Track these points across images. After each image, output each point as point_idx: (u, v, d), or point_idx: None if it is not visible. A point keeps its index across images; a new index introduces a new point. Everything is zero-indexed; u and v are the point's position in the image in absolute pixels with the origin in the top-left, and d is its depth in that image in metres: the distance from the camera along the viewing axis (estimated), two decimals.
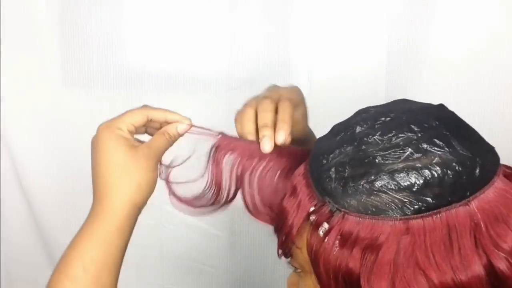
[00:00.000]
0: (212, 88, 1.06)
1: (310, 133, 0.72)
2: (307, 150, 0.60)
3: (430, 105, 0.57)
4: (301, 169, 0.58)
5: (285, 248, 0.57)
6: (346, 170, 0.52)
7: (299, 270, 0.58)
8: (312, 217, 0.53)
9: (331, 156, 0.54)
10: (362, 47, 1.03)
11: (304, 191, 0.55)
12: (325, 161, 0.54)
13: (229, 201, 0.67)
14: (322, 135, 0.60)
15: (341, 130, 0.56)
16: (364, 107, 0.58)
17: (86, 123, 1.08)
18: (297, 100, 0.68)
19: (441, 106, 0.57)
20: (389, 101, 1.06)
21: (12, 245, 1.14)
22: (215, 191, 0.67)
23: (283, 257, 0.68)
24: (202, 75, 1.05)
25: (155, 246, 1.13)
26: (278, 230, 0.58)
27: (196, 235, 1.12)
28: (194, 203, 0.71)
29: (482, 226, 0.48)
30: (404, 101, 0.60)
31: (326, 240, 0.51)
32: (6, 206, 1.12)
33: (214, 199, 0.68)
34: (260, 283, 1.13)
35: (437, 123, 0.52)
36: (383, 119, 0.54)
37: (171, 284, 1.15)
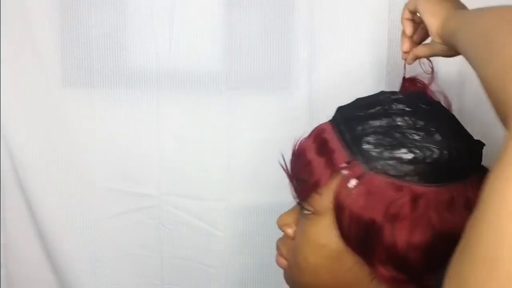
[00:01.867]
0: (212, 88, 1.06)
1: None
2: None
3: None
4: (327, 126, 0.67)
5: (307, 193, 0.65)
6: (383, 139, 0.62)
7: (308, 212, 0.66)
8: (344, 172, 0.62)
9: (367, 124, 0.64)
10: (362, 47, 1.03)
11: (336, 147, 0.64)
12: (360, 127, 0.64)
13: None
14: (343, 105, 0.70)
15: (373, 105, 0.66)
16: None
17: (86, 123, 1.09)
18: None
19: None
20: None
21: (12, 245, 1.14)
22: None
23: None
24: (202, 75, 1.05)
25: (155, 246, 1.13)
26: (301, 178, 0.66)
27: (196, 235, 1.12)
28: None
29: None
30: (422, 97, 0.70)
31: (354, 193, 0.61)
32: (6, 206, 1.12)
33: None
34: (260, 283, 1.13)
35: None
36: (414, 106, 0.65)
37: (171, 284, 1.15)
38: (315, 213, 0.65)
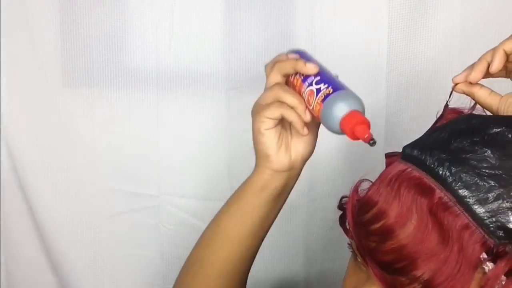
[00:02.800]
0: (212, 88, 1.06)
1: None
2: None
3: None
4: (432, 188, 0.46)
5: None
6: None
7: None
8: (488, 266, 0.43)
9: (506, 187, 0.44)
10: (362, 47, 1.03)
11: (466, 228, 0.44)
12: (498, 192, 0.44)
13: None
14: (422, 137, 0.51)
15: (493, 149, 0.46)
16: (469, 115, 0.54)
17: (86, 123, 1.09)
18: None
19: None
20: (389, 101, 1.06)
21: (12, 245, 1.14)
22: None
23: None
24: (202, 75, 1.05)
25: (155, 246, 1.13)
26: (419, 280, 0.45)
27: (196, 235, 1.12)
28: None
29: None
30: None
31: None
32: (6, 206, 1.12)
33: None
34: (260, 283, 1.13)
35: None
36: None
37: (171, 284, 1.14)
38: None
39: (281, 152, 0.68)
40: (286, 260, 1.12)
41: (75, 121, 1.08)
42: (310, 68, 0.66)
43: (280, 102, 0.66)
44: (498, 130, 0.47)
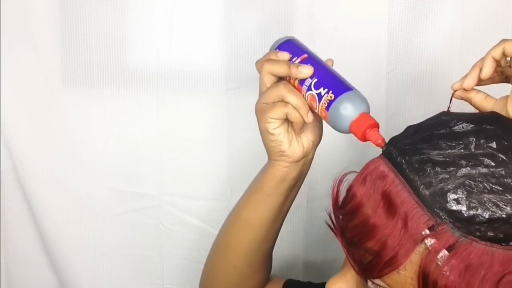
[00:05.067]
0: (212, 88, 1.06)
1: None
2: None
3: None
4: (385, 169, 0.53)
5: (379, 271, 0.51)
6: (478, 195, 0.48)
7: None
8: (429, 241, 0.48)
9: (450, 173, 0.49)
10: (362, 47, 1.03)
11: (410, 206, 0.50)
12: (441, 178, 0.49)
13: None
14: (401, 138, 0.56)
15: (448, 142, 0.51)
16: (443, 111, 0.57)
17: (86, 123, 1.09)
18: None
19: None
20: (389, 100, 1.06)
21: (12, 245, 1.14)
22: None
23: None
24: (202, 75, 1.05)
25: (155, 246, 1.13)
26: (367, 248, 0.52)
27: (196, 235, 1.12)
28: None
29: None
30: (496, 118, 0.55)
31: (446, 268, 0.48)
32: (6, 206, 1.12)
33: None
34: None
35: None
36: (501, 140, 0.50)
37: (171, 284, 1.15)
38: None
39: (294, 145, 0.70)
40: (286, 260, 1.12)
41: (75, 121, 1.08)
42: (305, 73, 0.66)
43: (284, 102, 0.67)
44: (459, 123, 0.52)
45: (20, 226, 1.13)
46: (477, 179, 0.48)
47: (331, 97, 0.63)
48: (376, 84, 1.04)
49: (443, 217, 0.48)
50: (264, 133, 0.70)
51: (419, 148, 0.52)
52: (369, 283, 0.54)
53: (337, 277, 0.58)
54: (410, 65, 1.04)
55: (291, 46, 0.71)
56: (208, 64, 1.05)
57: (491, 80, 0.66)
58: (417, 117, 1.07)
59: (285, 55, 0.69)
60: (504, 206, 0.47)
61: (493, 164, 0.49)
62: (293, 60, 0.69)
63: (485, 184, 0.48)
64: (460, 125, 0.52)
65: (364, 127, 0.61)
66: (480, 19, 1.02)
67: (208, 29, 1.04)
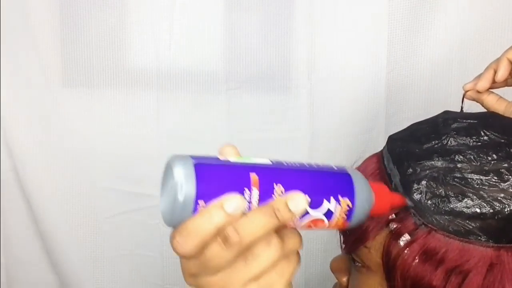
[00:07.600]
0: (212, 88, 1.06)
1: None
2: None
3: None
4: (374, 161, 0.57)
5: (353, 246, 0.56)
6: (440, 187, 0.50)
7: (359, 265, 0.57)
8: (393, 225, 0.52)
9: (420, 166, 0.51)
10: (362, 47, 1.03)
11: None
12: (411, 170, 0.52)
13: None
14: (396, 132, 0.58)
15: (429, 137, 0.53)
16: (445, 110, 0.57)
17: (86, 123, 1.09)
18: None
19: None
20: (389, 100, 1.06)
21: (12, 245, 1.14)
22: None
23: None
24: (202, 75, 1.05)
25: (155, 246, 1.13)
26: (349, 230, 0.55)
27: None
28: None
29: None
30: (493, 116, 0.57)
31: (406, 251, 0.51)
32: (6, 206, 1.12)
33: None
34: None
35: None
36: (478, 137, 0.52)
37: (171, 284, 1.15)
38: (365, 267, 0.56)
39: None
40: None
41: (75, 121, 1.08)
42: (300, 207, 0.43)
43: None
44: (448, 121, 0.54)
45: (20, 226, 1.13)
46: (441, 172, 0.50)
47: (348, 206, 0.45)
48: (376, 84, 1.04)
49: (408, 204, 0.51)
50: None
51: (405, 142, 0.55)
52: (353, 262, 0.58)
53: (337, 258, 0.63)
54: (410, 65, 1.04)
55: (214, 175, 0.44)
56: (208, 64, 1.05)
57: (504, 83, 0.65)
58: (417, 117, 1.07)
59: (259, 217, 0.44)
60: (466, 201, 0.49)
61: (461, 159, 0.51)
62: (245, 196, 0.44)
63: (448, 178, 0.50)
64: (446, 123, 0.54)
65: (387, 208, 0.50)
66: (480, 20, 1.02)
67: (208, 29, 1.04)
